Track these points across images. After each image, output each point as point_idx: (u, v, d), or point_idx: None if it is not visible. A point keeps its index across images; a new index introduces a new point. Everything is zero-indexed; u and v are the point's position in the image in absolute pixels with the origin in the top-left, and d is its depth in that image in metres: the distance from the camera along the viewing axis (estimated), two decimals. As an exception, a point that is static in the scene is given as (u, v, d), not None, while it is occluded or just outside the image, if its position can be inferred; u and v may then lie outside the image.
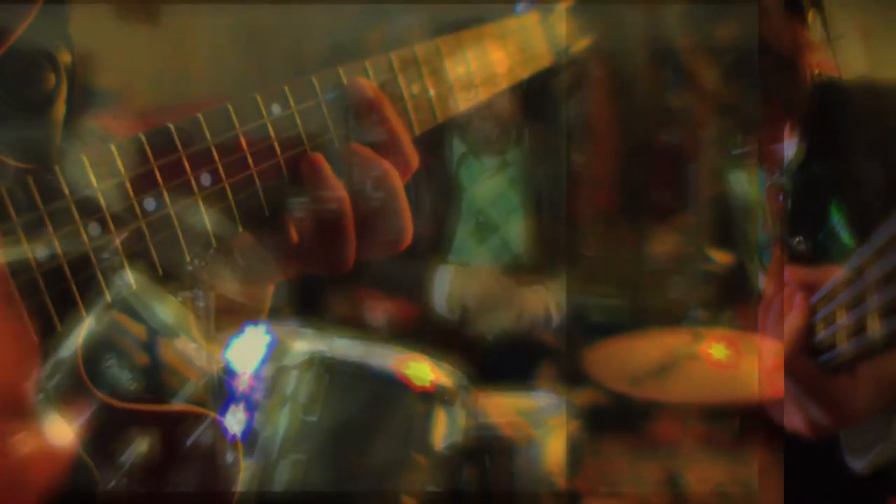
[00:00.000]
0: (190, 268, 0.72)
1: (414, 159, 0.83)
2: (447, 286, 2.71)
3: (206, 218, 0.72)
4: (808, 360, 0.98)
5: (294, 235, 0.79)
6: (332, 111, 0.81)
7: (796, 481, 1.84)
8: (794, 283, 1.00)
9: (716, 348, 2.08)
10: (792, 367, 1.00)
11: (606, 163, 2.76)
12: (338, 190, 0.77)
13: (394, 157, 0.81)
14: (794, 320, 0.98)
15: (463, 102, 0.92)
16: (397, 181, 0.80)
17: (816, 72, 1.87)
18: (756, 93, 1.82)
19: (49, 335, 0.65)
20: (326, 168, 0.78)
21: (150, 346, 0.76)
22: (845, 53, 1.92)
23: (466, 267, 2.76)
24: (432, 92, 0.89)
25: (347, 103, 0.81)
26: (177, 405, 0.74)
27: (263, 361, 1.99)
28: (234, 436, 0.77)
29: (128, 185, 0.69)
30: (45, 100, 0.69)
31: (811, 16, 1.81)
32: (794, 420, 1.07)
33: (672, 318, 2.23)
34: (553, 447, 2.12)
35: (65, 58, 0.70)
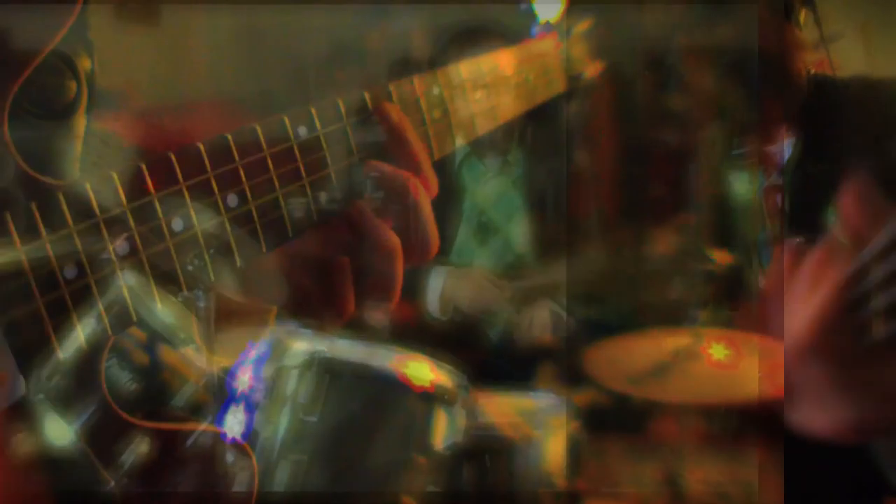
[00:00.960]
0: (189, 268, 0.72)
1: (434, 184, 0.84)
2: (439, 288, 2.72)
3: (231, 238, 0.72)
4: (849, 335, 0.79)
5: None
6: (356, 134, 0.81)
7: (796, 481, 1.84)
8: (818, 261, 0.84)
9: (716, 348, 2.08)
10: (830, 342, 0.80)
11: (607, 163, 2.76)
12: (389, 237, 0.79)
13: (417, 177, 0.82)
14: (826, 294, 0.80)
15: (481, 127, 0.93)
16: (420, 191, 0.81)
17: (812, 71, 1.88)
18: (754, 93, 1.83)
19: (69, 348, 0.65)
20: (372, 216, 0.79)
21: (150, 347, 0.76)
22: (844, 53, 1.92)
23: (459, 269, 2.77)
24: (453, 116, 0.90)
25: (369, 125, 0.82)
26: (175, 424, 0.74)
27: (263, 361, 1.99)
28: (234, 439, 0.77)
29: (157, 204, 0.69)
30: (66, 108, 0.68)
31: (803, 16, 1.82)
32: (817, 415, 0.84)
33: (672, 318, 2.24)
34: (553, 447, 2.12)
35: (85, 64, 0.69)
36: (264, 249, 0.75)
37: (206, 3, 3.04)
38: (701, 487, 2.27)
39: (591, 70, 1.10)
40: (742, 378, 1.99)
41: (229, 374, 1.76)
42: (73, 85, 0.68)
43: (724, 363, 2.05)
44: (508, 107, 0.97)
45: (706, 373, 2.04)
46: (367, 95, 0.82)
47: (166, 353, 0.77)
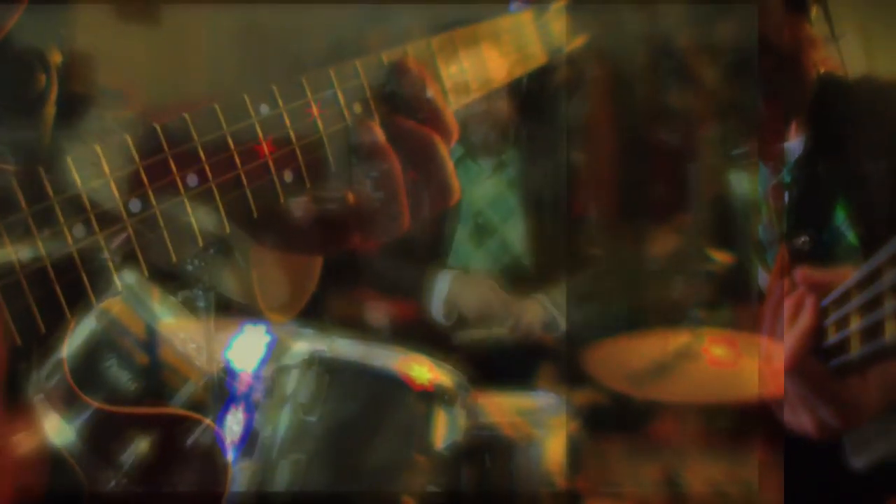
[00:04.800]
0: (189, 268, 0.72)
1: (455, 128, 0.86)
2: (445, 292, 2.71)
3: (192, 219, 0.72)
4: (818, 363, 0.98)
5: (351, 200, 0.82)
6: (323, 109, 0.81)
7: (796, 481, 1.84)
8: (806, 284, 1.00)
9: (716, 348, 2.08)
10: (801, 369, 1.00)
11: (606, 163, 2.76)
12: (390, 156, 0.81)
13: (438, 128, 0.84)
14: (804, 323, 0.98)
15: (455, 101, 0.93)
16: (441, 145, 0.84)
17: (821, 69, 1.87)
18: (757, 92, 1.82)
19: (33, 338, 0.65)
20: (382, 136, 0.81)
21: (150, 347, 0.75)
22: (844, 52, 1.91)
23: (466, 274, 2.76)
24: None
25: (391, 78, 0.83)
26: (167, 409, 0.74)
27: (263, 361, 1.99)
28: (223, 439, 0.77)
29: (112, 185, 0.68)
30: (35, 100, 0.69)
31: (814, 12, 1.81)
32: (801, 421, 1.07)
33: (672, 318, 2.23)
34: (553, 447, 2.12)
35: (56, 58, 0.69)
36: (227, 230, 0.75)
37: (206, 3, 3.04)
38: (701, 487, 2.27)
39: (573, 44, 1.10)
40: (742, 378, 1.99)
41: (229, 373, 1.76)
42: (42, 77, 0.68)
43: (724, 363, 2.05)
44: (484, 81, 0.96)
45: (706, 373, 2.04)
46: (332, 73, 0.82)
47: (166, 353, 0.77)
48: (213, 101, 0.75)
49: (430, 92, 0.85)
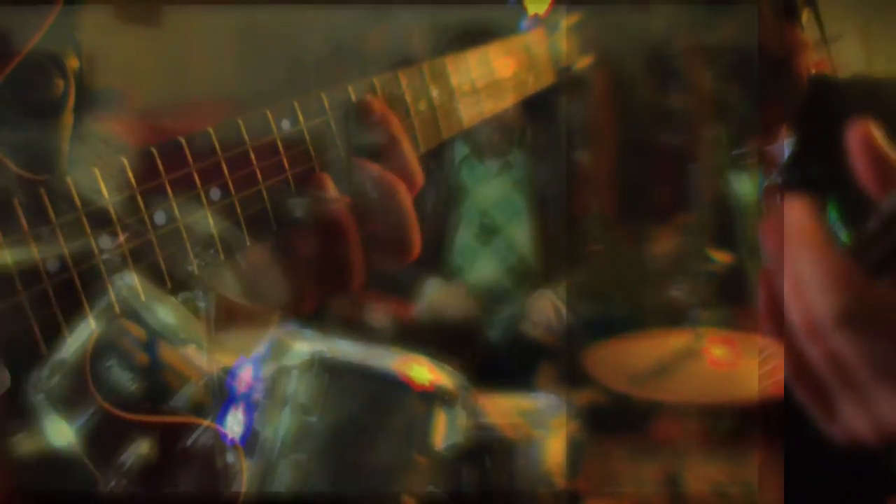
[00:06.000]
0: (190, 268, 0.72)
1: (419, 177, 0.82)
2: (428, 298, 2.76)
3: (214, 231, 0.73)
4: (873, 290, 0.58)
5: (304, 249, 0.78)
6: (340, 127, 0.81)
7: (796, 481, 1.84)
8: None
9: (716, 348, 2.08)
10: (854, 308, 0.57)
11: (607, 164, 2.76)
12: (339, 202, 0.78)
13: (399, 174, 0.81)
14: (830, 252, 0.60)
15: (468, 119, 0.93)
16: (405, 195, 0.81)
17: (813, 72, 1.88)
18: (755, 93, 1.83)
19: (56, 344, 0.65)
20: (331, 185, 0.79)
21: (150, 347, 0.76)
22: (843, 53, 1.92)
23: (445, 283, 2.80)
24: (439, 109, 0.90)
25: (354, 120, 0.81)
26: (176, 417, 0.74)
27: (263, 361, 1.99)
28: (232, 440, 0.77)
29: (139, 197, 0.69)
30: (53, 106, 0.68)
31: (805, 16, 1.82)
32: (853, 417, 0.61)
33: (672, 318, 2.24)
34: (553, 447, 2.12)
35: (73, 63, 0.69)
36: (247, 242, 0.76)
37: (206, 3, 3.04)
38: (701, 487, 2.27)
39: (581, 63, 1.10)
40: (742, 378, 1.99)
41: (230, 374, 1.75)
42: (60, 83, 0.68)
43: (724, 363, 2.05)
44: (496, 100, 0.97)
45: (706, 373, 2.04)
46: (350, 88, 0.82)
47: (166, 353, 0.77)
48: (224, 105, 0.75)
49: (394, 134, 0.82)
